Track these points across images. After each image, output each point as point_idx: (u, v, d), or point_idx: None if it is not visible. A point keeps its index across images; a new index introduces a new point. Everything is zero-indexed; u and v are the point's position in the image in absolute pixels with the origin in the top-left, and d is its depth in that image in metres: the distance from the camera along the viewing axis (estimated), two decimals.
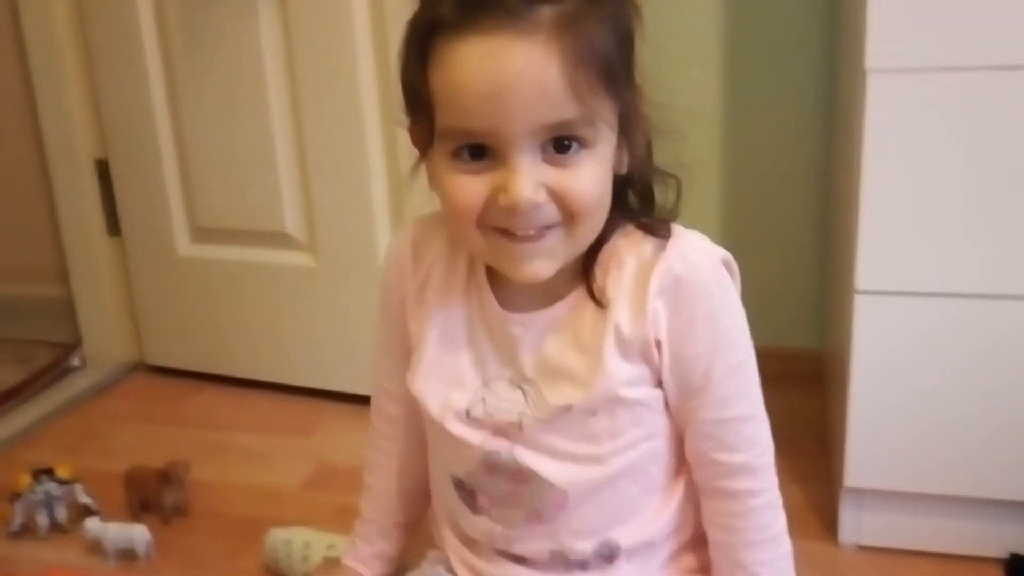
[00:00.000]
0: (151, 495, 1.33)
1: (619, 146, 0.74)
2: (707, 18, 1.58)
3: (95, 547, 1.25)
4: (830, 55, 1.53)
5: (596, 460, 0.79)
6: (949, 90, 0.98)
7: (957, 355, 1.06)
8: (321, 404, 1.67)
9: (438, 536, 0.93)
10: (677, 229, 0.77)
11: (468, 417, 0.81)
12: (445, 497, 0.89)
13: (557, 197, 0.70)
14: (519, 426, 0.79)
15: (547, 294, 0.78)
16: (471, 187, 0.71)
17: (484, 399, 0.81)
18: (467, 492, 0.85)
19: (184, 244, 1.78)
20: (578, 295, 0.78)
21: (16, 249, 2.04)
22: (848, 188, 1.13)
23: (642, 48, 0.74)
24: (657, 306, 0.75)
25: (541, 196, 0.69)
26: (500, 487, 0.82)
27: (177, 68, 1.66)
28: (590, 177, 0.70)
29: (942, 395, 1.07)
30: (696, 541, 0.85)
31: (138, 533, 1.23)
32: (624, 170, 0.75)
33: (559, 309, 0.78)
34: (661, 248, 0.76)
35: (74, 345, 1.93)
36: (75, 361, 1.90)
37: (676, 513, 0.84)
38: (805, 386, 1.58)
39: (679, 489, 0.84)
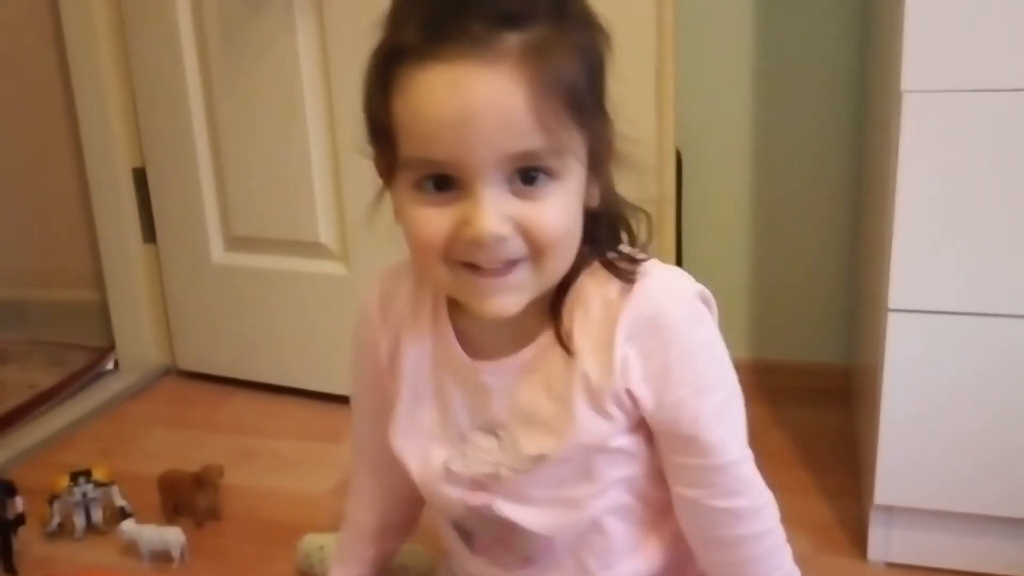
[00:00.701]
0: (185, 498, 1.34)
1: (589, 179, 0.71)
2: (737, 38, 1.59)
3: (130, 548, 1.26)
4: (861, 74, 1.54)
5: (575, 506, 0.78)
6: (984, 111, 0.98)
7: (989, 374, 1.05)
8: (350, 411, 1.68)
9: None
10: (645, 267, 0.74)
11: (447, 472, 0.81)
12: (446, 536, 0.89)
13: (524, 231, 0.67)
14: (496, 476, 0.78)
15: (515, 336, 0.76)
16: (435, 220, 0.68)
17: (463, 453, 0.80)
18: (465, 533, 0.85)
19: (218, 252, 1.80)
20: (547, 338, 0.76)
21: (54, 254, 2.07)
22: (881, 206, 1.13)
23: (613, 79, 0.71)
24: (627, 353, 0.72)
25: (507, 229, 0.67)
26: (491, 532, 0.82)
27: (215, 80, 1.69)
28: (558, 210, 0.68)
29: (974, 414, 1.07)
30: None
31: (173, 536, 1.24)
32: (595, 203, 0.73)
33: (528, 353, 0.76)
34: (627, 291, 0.73)
35: (108, 349, 1.96)
36: (109, 365, 1.93)
37: (671, 548, 0.83)
38: (833, 401, 1.59)
39: (669, 526, 0.82)
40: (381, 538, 0.97)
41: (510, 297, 0.70)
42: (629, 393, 0.73)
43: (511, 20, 0.64)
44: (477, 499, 0.80)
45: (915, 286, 1.05)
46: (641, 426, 0.77)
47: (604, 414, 0.74)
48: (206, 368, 1.89)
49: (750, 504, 0.77)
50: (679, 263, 1.45)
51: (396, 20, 0.68)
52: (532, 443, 0.77)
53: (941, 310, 1.05)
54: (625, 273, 0.73)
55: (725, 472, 0.76)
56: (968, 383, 1.06)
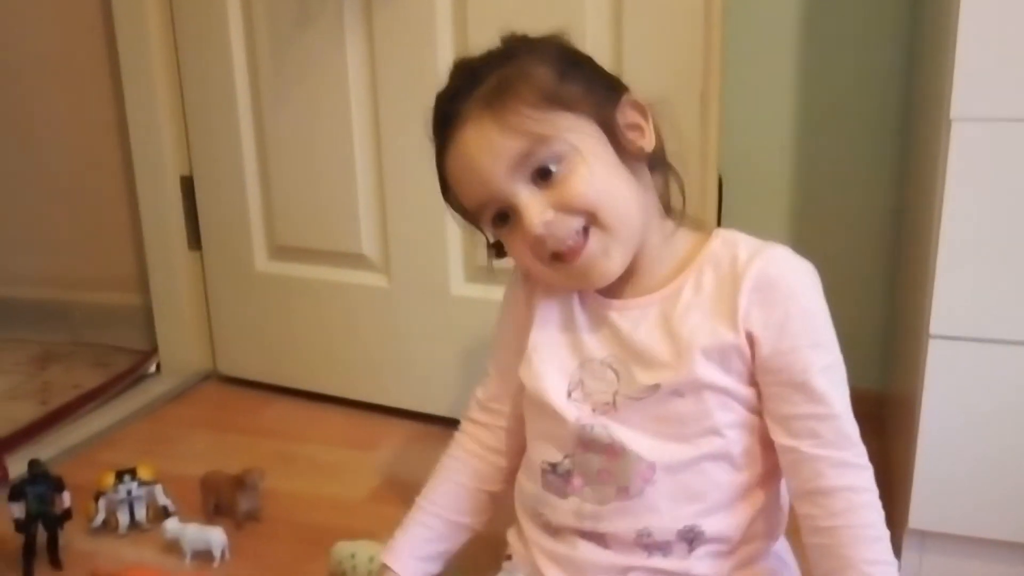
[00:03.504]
0: (226, 499, 1.37)
1: (623, 135, 0.84)
2: (782, 65, 1.61)
3: (172, 547, 1.29)
4: (905, 102, 1.55)
5: (683, 439, 0.84)
6: None
7: None
8: (387, 420, 1.70)
9: (514, 539, 0.96)
10: (765, 242, 0.86)
11: (568, 397, 0.88)
12: (532, 491, 0.93)
13: (565, 208, 0.81)
14: (613, 404, 0.86)
15: (645, 288, 0.88)
16: (516, 243, 0.85)
17: (582, 380, 0.88)
18: (559, 476, 0.90)
19: (262, 260, 1.83)
20: (674, 288, 0.86)
21: (101, 259, 2.12)
22: (924, 233, 1.14)
23: None
24: (750, 302, 0.82)
25: (549, 215, 0.81)
26: (593, 464, 0.87)
27: (264, 91, 1.72)
28: (582, 178, 0.81)
29: (1012, 441, 1.08)
30: (765, 557, 0.89)
31: (215, 535, 1.27)
32: (650, 148, 0.86)
33: (655, 298, 0.87)
34: (756, 253, 0.84)
35: (151, 352, 1.99)
36: (151, 368, 1.96)
37: (757, 520, 0.87)
38: (866, 426, 1.57)
39: (763, 497, 0.87)
40: (465, 506, 1.01)
41: (601, 261, 0.83)
42: (749, 336, 0.82)
43: (475, 83, 0.83)
44: (593, 420, 0.87)
45: (958, 313, 1.05)
46: (753, 382, 0.84)
47: (721, 352, 0.82)
48: (246, 374, 1.92)
49: (848, 458, 0.82)
50: None
51: (432, 132, 0.88)
52: (647, 375, 0.85)
53: (983, 338, 1.05)
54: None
55: (829, 423, 0.82)
56: (1008, 411, 1.07)
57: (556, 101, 0.81)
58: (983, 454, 1.09)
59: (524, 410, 0.95)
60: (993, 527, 1.12)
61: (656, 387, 0.84)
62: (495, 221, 0.85)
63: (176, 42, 1.81)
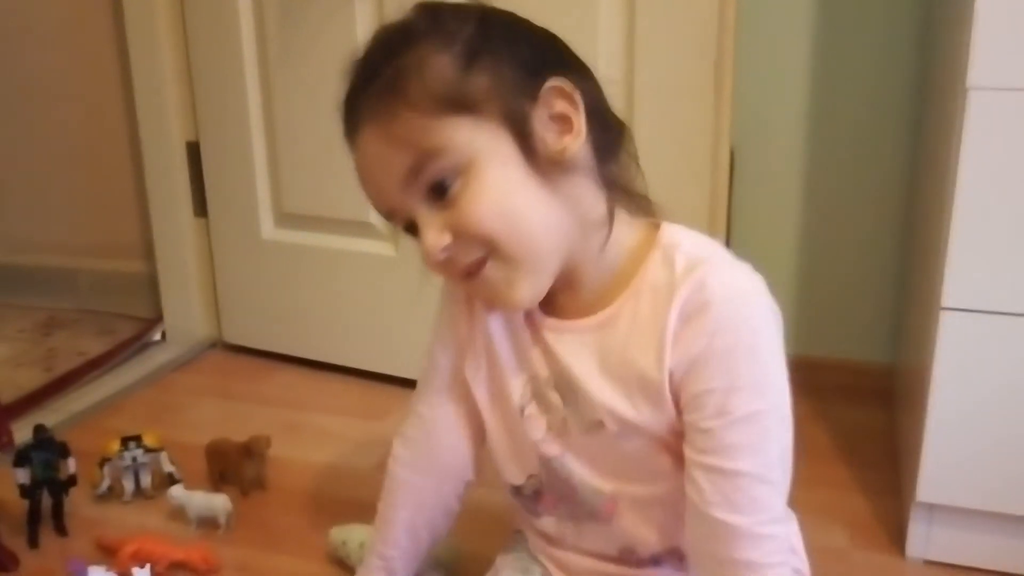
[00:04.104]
0: (232, 467, 1.37)
1: (527, 146, 0.72)
2: (797, 28, 1.58)
3: (177, 513, 1.29)
4: (917, 72, 1.53)
5: (639, 478, 0.79)
6: None
7: None
8: (393, 390, 1.70)
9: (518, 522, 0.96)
10: (723, 255, 0.76)
11: (522, 414, 0.83)
12: (512, 503, 0.91)
13: (462, 236, 0.72)
14: (565, 428, 0.81)
15: (582, 306, 0.79)
16: (426, 257, 0.75)
17: (533, 397, 0.83)
18: (527, 498, 0.87)
19: (268, 228, 1.82)
20: (611, 313, 0.77)
21: (106, 226, 2.11)
22: (937, 204, 1.12)
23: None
24: (675, 332, 0.72)
25: (447, 239, 0.72)
26: (558, 487, 0.84)
27: (271, 56, 1.70)
28: (480, 197, 0.72)
29: (1023, 416, 1.07)
30: None
31: (220, 503, 1.27)
32: (577, 144, 0.73)
33: (592, 324, 0.78)
34: (689, 271, 0.73)
35: (156, 320, 1.99)
36: (156, 335, 1.96)
37: None
38: (876, 399, 1.59)
39: None
40: (410, 540, 0.96)
41: (506, 292, 0.75)
42: (671, 374, 0.73)
43: (370, 78, 0.74)
44: (551, 449, 0.82)
45: (970, 285, 1.04)
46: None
47: (651, 395, 0.74)
48: (252, 342, 1.91)
49: (749, 526, 0.71)
50: None
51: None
52: (591, 411, 0.78)
53: (995, 310, 1.04)
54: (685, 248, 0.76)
55: (733, 481, 0.71)
56: (1019, 385, 1.06)
57: (453, 103, 0.71)
58: (993, 428, 1.08)
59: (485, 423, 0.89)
60: (1002, 501, 1.11)
61: (601, 424, 0.77)
62: (407, 231, 0.77)
63: (183, 7, 1.79)
